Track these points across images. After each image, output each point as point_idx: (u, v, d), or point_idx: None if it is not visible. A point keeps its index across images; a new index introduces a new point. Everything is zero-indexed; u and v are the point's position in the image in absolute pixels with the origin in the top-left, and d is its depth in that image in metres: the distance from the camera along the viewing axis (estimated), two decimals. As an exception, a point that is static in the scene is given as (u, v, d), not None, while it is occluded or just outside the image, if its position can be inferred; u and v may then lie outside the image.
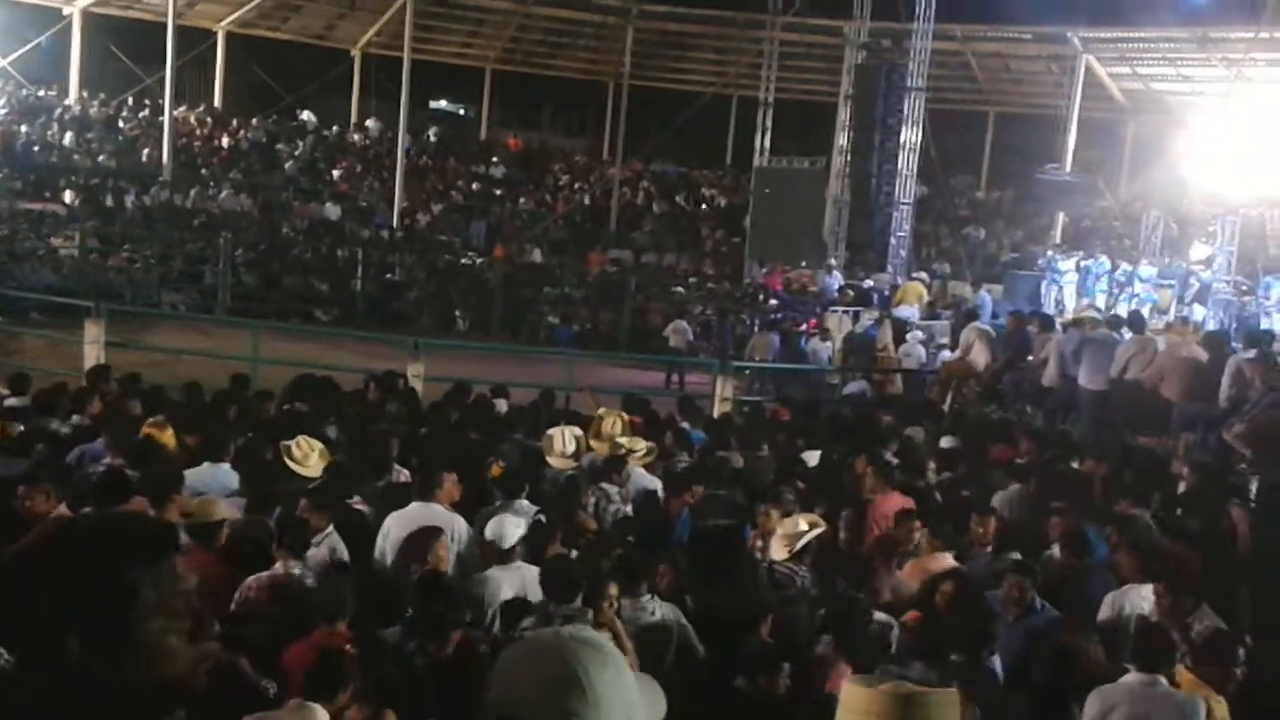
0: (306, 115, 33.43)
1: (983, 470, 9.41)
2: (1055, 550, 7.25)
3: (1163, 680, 5.09)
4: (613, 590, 5.45)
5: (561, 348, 20.54)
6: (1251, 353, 11.72)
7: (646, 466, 8.76)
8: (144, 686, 1.75)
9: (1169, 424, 11.66)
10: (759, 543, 7.27)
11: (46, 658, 1.70)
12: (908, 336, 17.10)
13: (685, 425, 10.65)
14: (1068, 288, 21.25)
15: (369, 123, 34.08)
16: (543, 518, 6.92)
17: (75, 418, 9.16)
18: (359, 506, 7.26)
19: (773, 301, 23.11)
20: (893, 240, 24.48)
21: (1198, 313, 18.35)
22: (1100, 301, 19.92)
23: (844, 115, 26.74)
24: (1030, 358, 13.60)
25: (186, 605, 1.80)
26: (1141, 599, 6.22)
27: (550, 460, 8.72)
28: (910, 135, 24.29)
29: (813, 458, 9.58)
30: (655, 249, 30.19)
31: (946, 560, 6.82)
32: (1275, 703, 5.21)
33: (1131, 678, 5.12)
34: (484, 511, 7.02)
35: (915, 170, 24.73)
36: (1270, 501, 8.70)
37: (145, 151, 28.70)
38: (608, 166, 34.57)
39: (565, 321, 23.54)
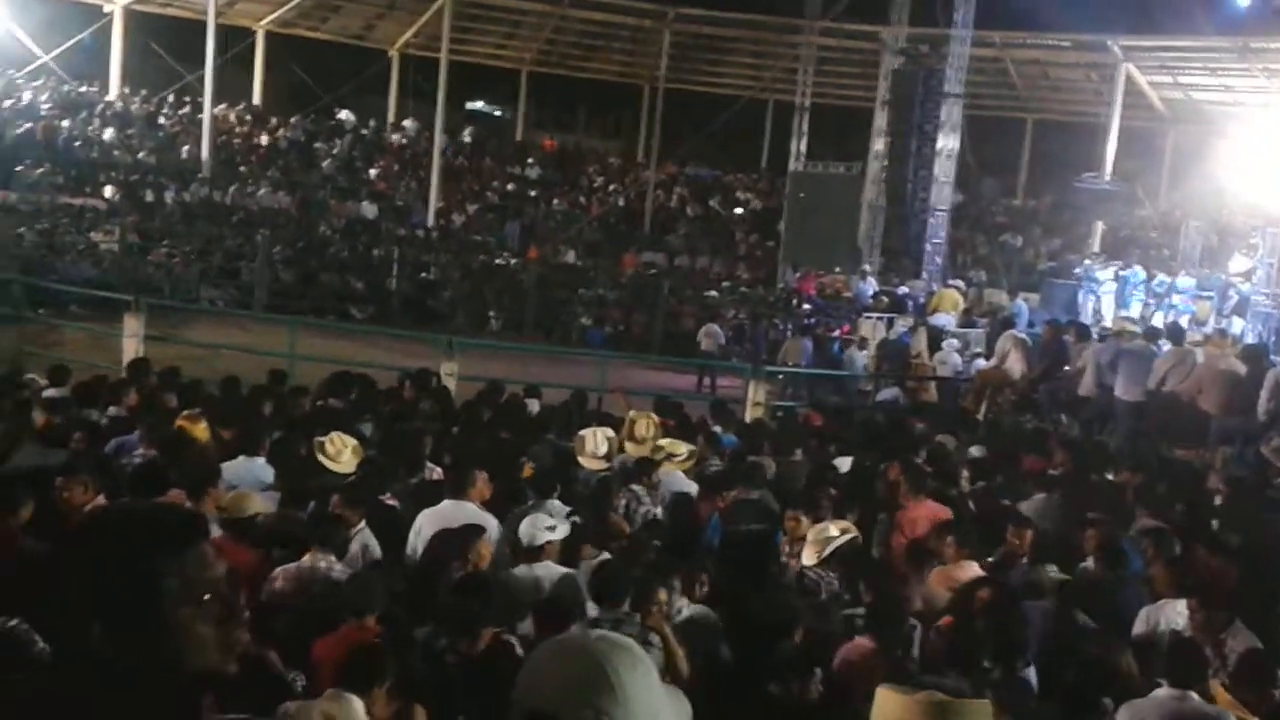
0: (344, 114, 33.66)
1: (1016, 480, 9.34)
2: (1090, 562, 7.17)
3: (1194, 695, 5.03)
4: (662, 595, 5.45)
5: (594, 349, 20.57)
6: (1292, 366, 11.60)
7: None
8: (173, 675, 1.76)
9: (1206, 437, 11.55)
10: (788, 548, 7.24)
11: (77, 647, 1.72)
12: (944, 344, 16.99)
13: (717, 429, 10.64)
14: (1105, 297, 21.05)
15: (406, 123, 34.27)
16: (576, 518, 6.93)
17: (112, 409, 9.25)
18: (391, 503, 7.30)
19: (806, 306, 23.04)
20: (928, 247, 24.35)
21: (1236, 325, 18.12)
22: (1137, 312, 19.74)
23: (880, 121, 26.63)
24: (1066, 367, 13.50)
25: (216, 593, 1.81)
26: (1177, 614, 6.15)
27: (582, 461, 8.73)
28: (947, 142, 24.16)
29: (845, 464, 9.54)
30: (689, 252, 30.18)
31: (973, 569, 6.77)
32: None
33: (1163, 692, 5.07)
34: (516, 511, 7.04)
35: (952, 177, 24.60)
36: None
37: (185, 148, 28.98)
38: (642, 169, 34.59)
39: (598, 323, 23.58)
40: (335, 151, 31.60)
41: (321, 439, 7.95)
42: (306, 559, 5.76)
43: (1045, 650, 5.55)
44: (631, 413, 9.88)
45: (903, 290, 22.81)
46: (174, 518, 1.89)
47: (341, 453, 7.82)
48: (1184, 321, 17.29)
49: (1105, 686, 5.12)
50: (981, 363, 15.79)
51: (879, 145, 26.51)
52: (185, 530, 1.83)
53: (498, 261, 26.64)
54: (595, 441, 8.86)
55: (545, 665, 1.88)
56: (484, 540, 6.14)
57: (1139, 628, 6.28)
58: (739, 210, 33.79)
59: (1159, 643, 5.99)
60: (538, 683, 1.84)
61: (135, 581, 1.73)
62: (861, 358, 17.68)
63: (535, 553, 6.20)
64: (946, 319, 18.82)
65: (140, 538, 1.77)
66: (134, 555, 1.74)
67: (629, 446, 9.15)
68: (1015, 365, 13.55)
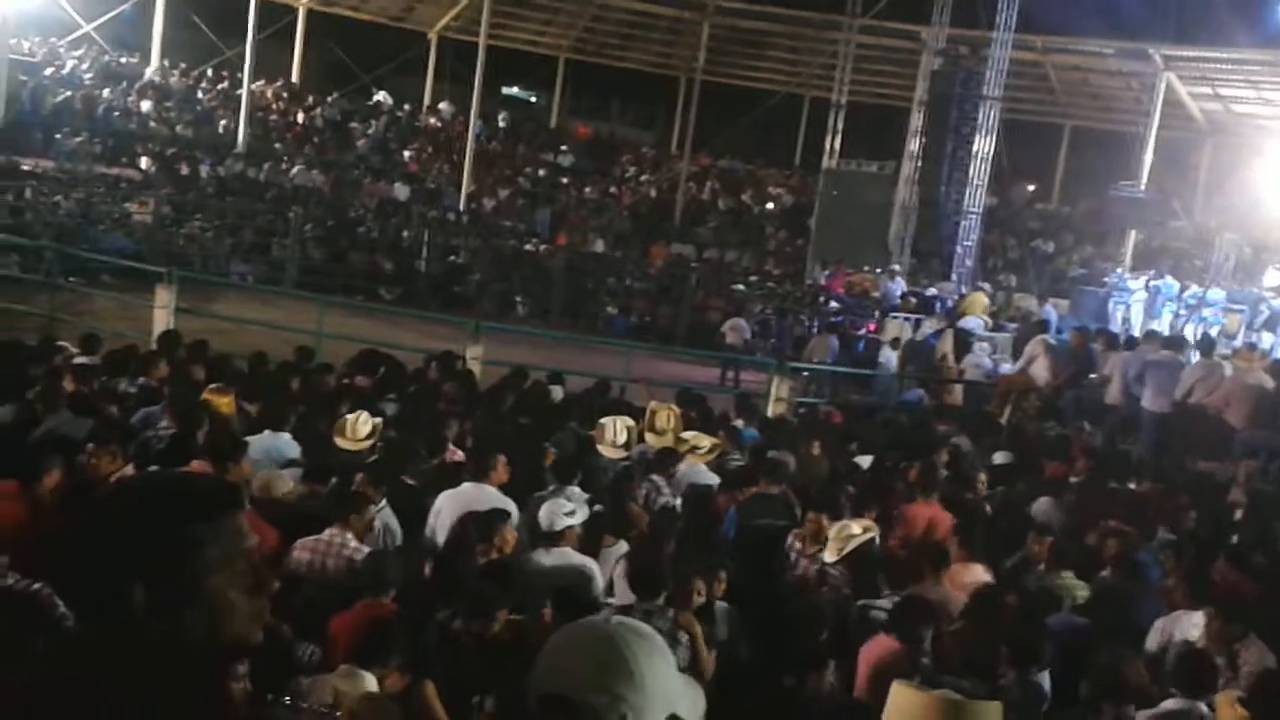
0: (381, 95, 33.79)
1: (1037, 486, 9.31)
2: (1108, 571, 7.16)
3: (1202, 706, 5.03)
4: (699, 589, 5.49)
5: (619, 338, 20.59)
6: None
7: (702, 463, 8.78)
8: (206, 642, 1.79)
9: (1231, 450, 11.48)
10: (798, 545, 7.24)
11: (110, 615, 1.74)
12: (975, 348, 16.89)
13: (739, 423, 10.65)
14: (1135, 307, 20.92)
15: (442, 106, 34.38)
16: (598, 506, 6.98)
17: (141, 380, 9.34)
18: (410, 483, 7.35)
19: (833, 304, 22.98)
20: (959, 249, 24.25)
21: (1266, 340, 17.98)
22: (1168, 323, 19.60)
23: (916, 121, 26.51)
24: (1093, 375, 13.43)
25: (249, 563, 1.84)
26: (1192, 625, 6.14)
27: (601, 449, 8.75)
28: (983, 144, 24.04)
29: (866, 463, 9.54)
30: (718, 245, 30.16)
31: (977, 571, 6.75)
32: None
33: (1171, 703, 5.07)
34: (536, 496, 7.09)
35: (986, 180, 24.47)
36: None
37: (222, 123, 29.18)
38: (675, 160, 34.57)
39: (624, 313, 23.60)
40: (370, 132, 31.74)
41: (345, 417, 8.02)
42: (327, 534, 5.82)
43: (1060, 658, 5.55)
44: (652, 404, 9.89)
45: (931, 292, 22.72)
46: (213, 486, 1.92)
47: (358, 431, 7.87)
48: (1213, 334, 17.15)
49: (1118, 696, 5.12)
50: (1008, 367, 15.71)
51: (914, 145, 26.40)
52: (224, 499, 1.86)
53: (527, 248, 26.70)
54: (615, 430, 8.87)
55: (564, 650, 1.90)
56: (509, 525, 6.19)
57: (1154, 638, 6.28)
58: (770, 205, 33.72)
59: (1173, 654, 5.99)
60: (556, 667, 1.87)
61: (177, 547, 1.76)
62: (895, 358, 17.60)
63: (555, 538, 6.24)
64: (976, 322, 18.73)
65: (182, 504, 1.80)
66: (176, 521, 1.77)
67: (649, 437, 9.17)
68: (1041, 371, 13.48)
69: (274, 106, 31.56)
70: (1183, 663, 5.40)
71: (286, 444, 7.72)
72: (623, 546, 6.45)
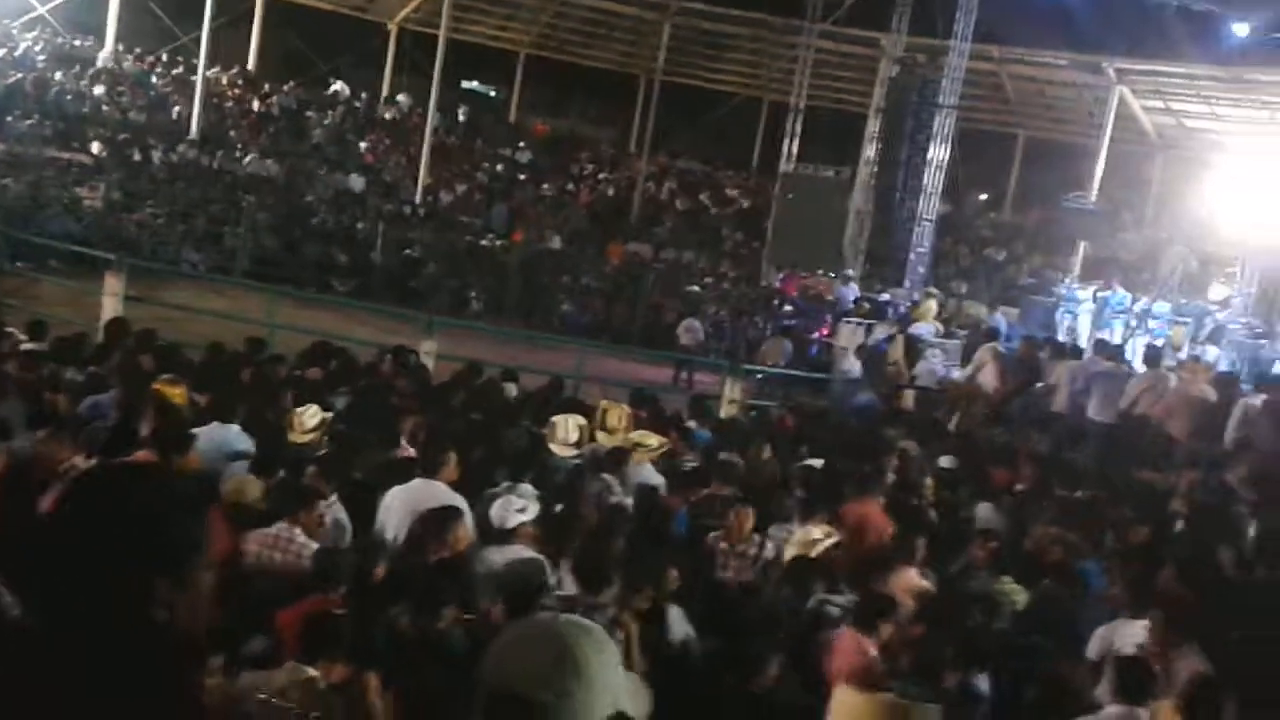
0: (339, 85, 33.53)
1: (982, 492, 9.43)
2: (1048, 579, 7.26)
3: (1142, 714, 5.12)
4: (646, 589, 5.53)
5: (573, 334, 20.60)
6: (1260, 396, 11.74)
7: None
8: (193, 634, 1.81)
9: (1173, 461, 11.69)
10: (723, 544, 7.28)
11: (128, 609, 1.74)
12: (927, 354, 17.05)
13: (692, 424, 10.70)
14: (1083, 317, 21.20)
15: (400, 97, 34.16)
16: (553, 505, 7.00)
17: (91, 369, 9.23)
18: (359, 478, 7.31)
19: (787, 307, 23.12)
20: (912, 255, 24.46)
21: (1210, 353, 18.30)
22: (1118, 334, 19.88)
23: (873, 127, 26.72)
24: (1040, 384, 13.63)
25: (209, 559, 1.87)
26: (1131, 634, 6.25)
27: (553, 447, 8.76)
28: (938, 152, 24.26)
29: (817, 466, 9.61)
30: (675, 245, 30.21)
31: (910, 576, 6.80)
32: None
33: (1112, 709, 5.16)
34: (488, 494, 7.08)
35: (940, 188, 24.70)
36: (1267, 547, 8.71)
37: (176, 109, 28.82)
38: (634, 159, 34.60)
39: (579, 311, 23.61)
40: (326, 122, 31.48)
41: (297, 411, 7.98)
42: (276, 528, 5.78)
43: (1002, 665, 5.63)
44: (604, 402, 9.93)
45: (884, 297, 22.91)
46: (199, 484, 1.95)
47: (305, 423, 7.83)
48: (1159, 345, 17.43)
49: (1059, 704, 5.21)
50: (958, 374, 15.89)
51: (870, 152, 26.60)
52: (208, 496, 1.89)
53: (482, 243, 26.61)
54: (567, 429, 8.89)
55: (512, 647, 1.93)
56: (462, 523, 6.18)
57: (1094, 646, 6.38)
58: (728, 208, 33.83)
59: (1111, 662, 6.09)
60: (505, 664, 1.89)
61: (200, 544, 1.77)
62: (859, 366, 17.64)
63: (506, 535, 6.24)
64: (927, 328, 18.92)
65: (182, 500, 1.81)
66: (201, 519, 1.79)
67: (600, 436, 9.20)
68: (989, 378, 13.67)
69: (229, 94, 31.20)
70: (1123, 670, 5.49)
71: (235, 436, 7.65)
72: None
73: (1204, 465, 11.41)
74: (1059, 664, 5.94)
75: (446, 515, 6.15)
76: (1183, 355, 17.35)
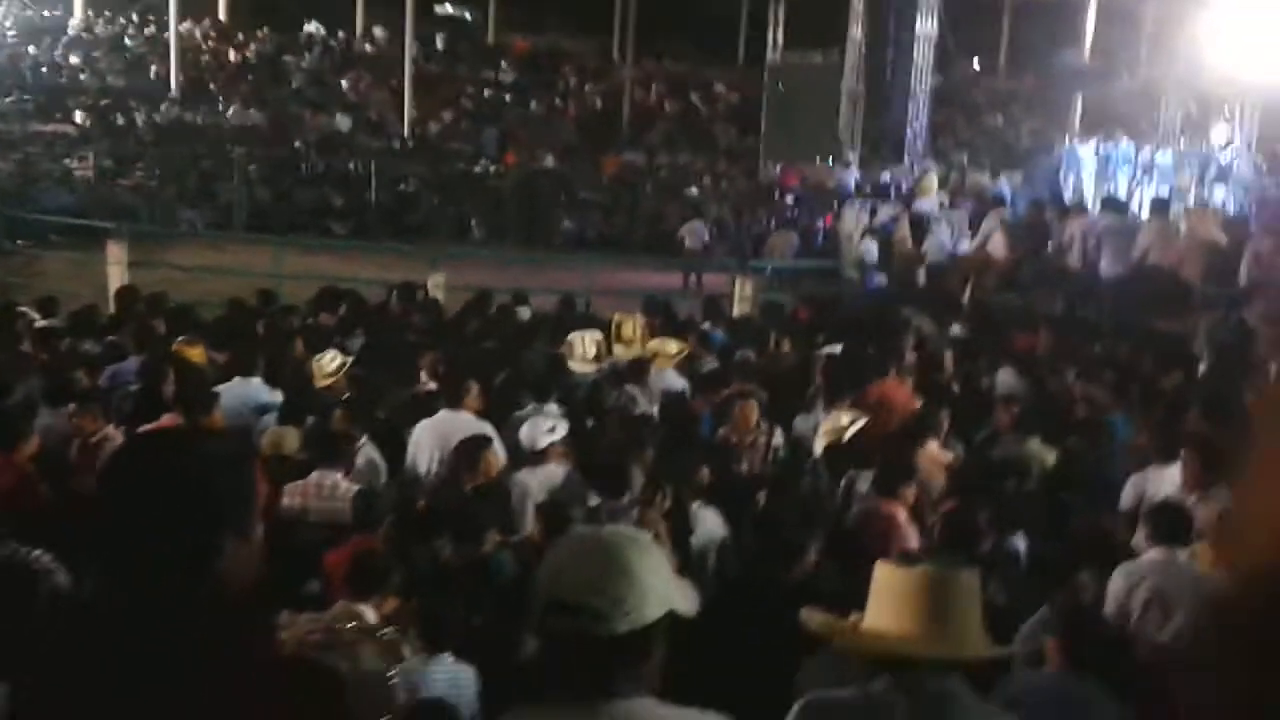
0: (313, 26, 33.02)
1: (1001, 359, 9.46)
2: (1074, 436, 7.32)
3: (1181, 555, 5.19)
4: (665, 489, 5.62)
5: (576, 251, 20.57)
6: (1270, 235, 11.68)
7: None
8: (256, 586, 1.87)
9: (1190, 306, 11.68)
10: (733, 438, 7.35)
11: (195, 570, 1.79)
12: (933, 228, 16.91)
13: (706, 326, 10.72)
14: (1087, 173, 20.98)
15: (376, 31, 33.65)
16: (581, 421, 7.07)
17: (108, 339, 9.28)
18: (384, 417, 7.38)
19: (789, 199, 22.95)
20: (909, 132, 24.18)
21: (1218, 194, 18.13)
22: (1124, 186, 19.68)
23: (858, 5, 26.21)
24: (1050, 245, 13.58)
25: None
26: (1164, 480, 6.31)
27: (572, 365, 8.81)
28: (925, 24, 23.82)
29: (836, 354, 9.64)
30: (669, 150, 29.92)
31: (932, 449, 6.86)
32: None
33: (1153, 553, 5.22)
34: (515, 417, 7.15)
35: (931, 60, 24.30)
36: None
37: (153, 69, 28.49)
38: (618, 67, 34.09)
39: (580, 226, 23.53)
40: (305, 65, 31.10)
41: (314, 357, 8.03)
42: (314, 476, 5.85)
43: (1035, 525, 5.70)
44: (617, 315, 9.95)
45: (885, 177, 22.71)
46: (236, 440, 2.00)
47: (324, 368, 7.89)
48: (1164, 193, 17.28)
49: (1095, 555, 5.28)
50: (967, 245, 15.81)
51: (856, 31, 26.13)
52: (247, 451, 1.94)
53: (476, 170, 26.41)
54: (584, 345, 8.95)
55: (563, 560, 1.99)
56: (491, 450, 6.25)
57: (1128, 496, 6.44)
58: (718, 105, 33.39)
59: (1146, 509, 6.15)
60: (559, 577, 1.95)
61: (230, 497, 1.82)
62: (875, 248, 17.48)
63: (539, 456, 6.32)
64: (929, 204, 18.78)
65: (225, 459, 1.86)
66: (252, 476, 1.85)
67: (617, 349, 9.25)
68: (998, 247, 13.62)
69: (204, 47, 30.80)
70: (1158, 515, 5.54)
71: (258, 389, 7.72)
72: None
73: (1221, 307, 11.41)
74: (1092, 516, 6.01)
75: (476, 444, 6.22)
76: (1190, 201, 17.20)
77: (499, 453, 6.44)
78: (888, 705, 2.58)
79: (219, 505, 1.79)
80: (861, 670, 2.74)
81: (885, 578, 2.77)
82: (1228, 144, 19.50)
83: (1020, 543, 5.37)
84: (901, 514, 5.72)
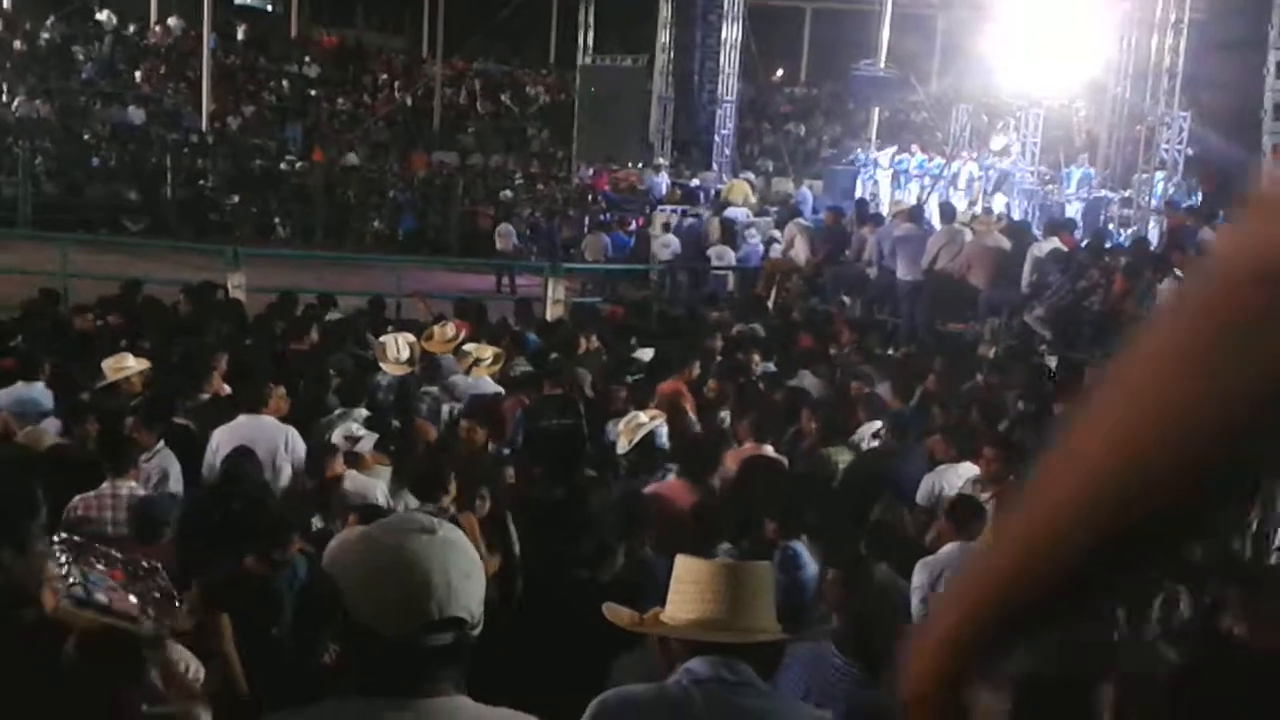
0: (104, 15, 31.43)
1: (798, 360, 9.79)
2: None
3: (974, 546, 5.48)
4: (483, 492, 5.62)
5: (387, 252, 20.25)
6: (1051, 241, 12.43)
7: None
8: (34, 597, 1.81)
9: (976, 311, 12.33)
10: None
11: None
12: (746, 235, 17.33)
13: (519, 329, 10.74)
14: (883, 182, 21.91)
15: (171, 21, 32.27)
16: (389, 423, 7.00)
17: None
18: (182, 422, 7.12)
19: (601, 202, 23.15)
20: (717, 138, 24.72)
21: (999, 202, 19.16)
22: (915, 195, 20.62)
23: (666, 11, 26.65)
24: (847, 251, 14.11)
25: None
26: (957, 477, 6.64)
27: (385, 367, 8.68)
28: (731, 32, 24.41)
29: (648, 355, 9.79)
30: (481, 150, 29.75)
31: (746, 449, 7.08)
32: None
33: (950, 546, 5.50)
34: (323, 422, 7.01)
35: (736, 67, 24.91)
36: (1068, 378, 9.33)
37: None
38: (428, 66, 33.67)
39: (391, 227, 23.21)
40: (95, 55, 29.59)
41: (107, 360, 7.69)
42: (105, 485, 5.58)
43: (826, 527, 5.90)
44: (435, 325, 9.88)
45: (695, 182, 23.17)
46: (19, 449, 1.92)
47: (124, 371, 7.57)
48: (954, 200, 18.17)
49: (886, 550, 5.53)
50: (777, 250, 16.27)
51: (665, 37, 26.57)
52: (33, 460, 1.87)
53: (281, 166, 25.66)
54: (397, 347, 8.82)
55: (428, 567, 1.90)
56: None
57: (923, 493, 6.76)
58: (530, 108, 33.38)
59: (939, 505, 6.47)
60: (426, 589, 1.87)
61: (23, 507, 1.74)
62: (675, 243, 17.79)
63: (351, 461, 6.22)
64: (739, 211, 19.26)
65: (37, 475, 1.79)
66: (20, 483, 1.77)
67: (429, 349, 9.17)
68: (800, 251, 14.08)
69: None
70: (954, 509, 5.83)
71: (41, 394, 7.33)
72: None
73: (1005, 311, 12.08)
74: (888, 512, 6.28)
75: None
76: (978, 208, 18.16)
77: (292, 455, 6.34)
78: (683, 697, 2.66)
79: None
80: (669, 667, 2.82)
81: (685, 569, 2.87)
82: (1011, 153, 20.67)
83: (801, 545, 5.52)
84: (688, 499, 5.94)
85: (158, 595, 3.49)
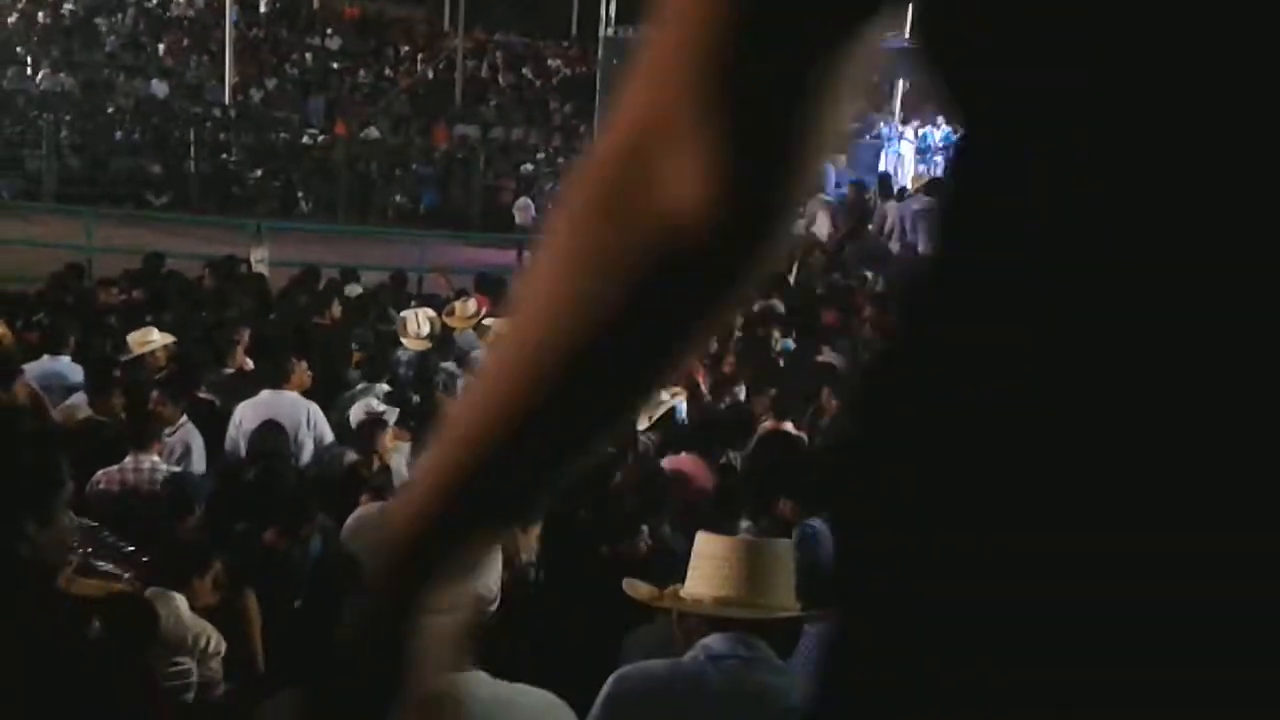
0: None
1: (820, 336, 9.77)
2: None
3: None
4: None
5: (409, 225, 20.30)
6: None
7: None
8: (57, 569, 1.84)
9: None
10: None
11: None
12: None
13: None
14: (906, 155, 21.75)
15: (194, -7, 32.33)
16: (410, 398, 7.03)
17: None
18: (206, 397, 7.17)
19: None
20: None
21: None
22: (940, 169, 20.45)
23: (689, -18, 26.45)
24: (870, 226, 14.05)
25: None
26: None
27: (406, 343, 8.72)
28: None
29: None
30: (503, 124, 29.69)
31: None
32: None
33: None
34: (346, 396, 7.05)
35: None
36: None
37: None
38: (449, 38, 33.58)
39: (414, 200, 23.23)
40: (118, 27, 29.67)
41: (131, 334, 7.75)
42: (128, 459, 5.64)
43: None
44: (457, 300, 9.91)
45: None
46: (44, 422, 1.95)
47: (149, 344, 7.63)
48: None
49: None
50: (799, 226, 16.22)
51: (688, 8, 26.38)
52: (58, 435, 1.89)
53: (304, 140, 25.69)
54: (417, 323, 8.86)
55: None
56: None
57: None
58: (553, 80, 33.30)
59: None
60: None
61: (48, 480, 1.77)
62: None
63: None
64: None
65: (32, 439, 1.81)
66: (30, 455, 1.78)
67: (450, 324, 9.21)
68: (822, 227, 14.04)
69: (14, 8, 29.09)
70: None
71: (67, 367, 7.40)
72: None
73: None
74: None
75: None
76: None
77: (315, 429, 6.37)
78: (700, 673, 2.68)
79: (17, 489, 1.75)
80: (686, 643, 2.84)
81: (705, 545, 2.89)
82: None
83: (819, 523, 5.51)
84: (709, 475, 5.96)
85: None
